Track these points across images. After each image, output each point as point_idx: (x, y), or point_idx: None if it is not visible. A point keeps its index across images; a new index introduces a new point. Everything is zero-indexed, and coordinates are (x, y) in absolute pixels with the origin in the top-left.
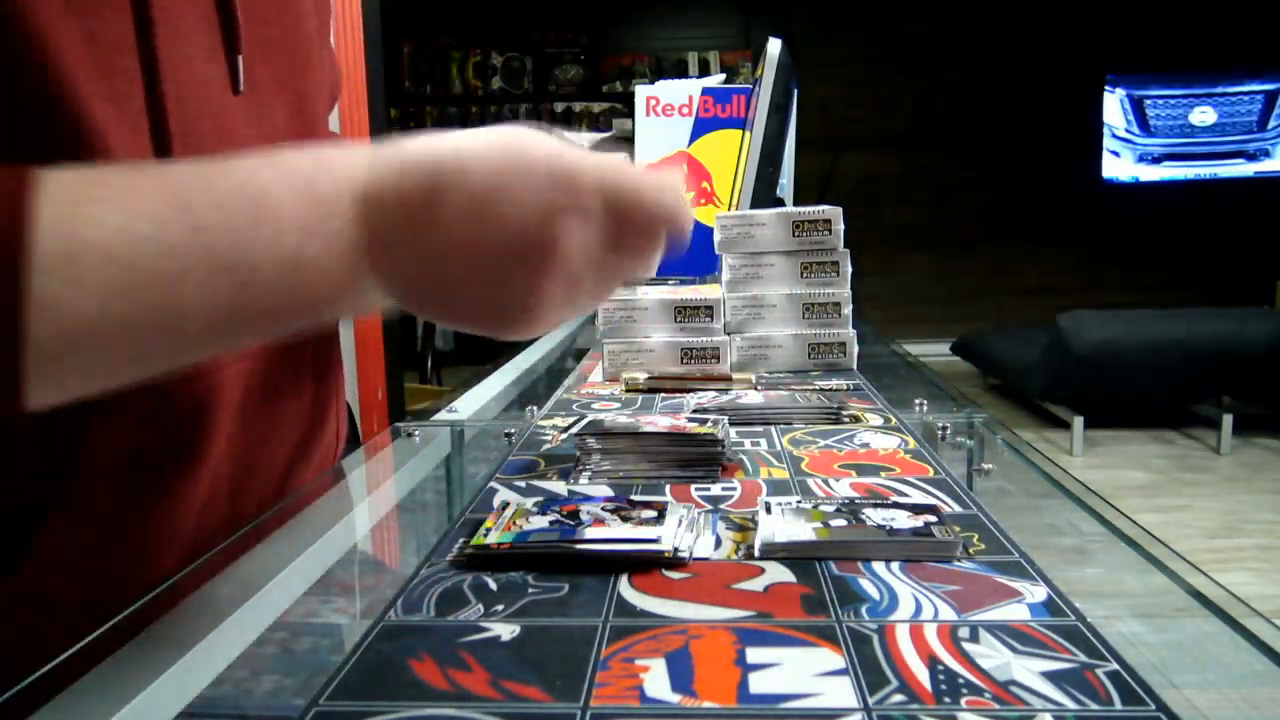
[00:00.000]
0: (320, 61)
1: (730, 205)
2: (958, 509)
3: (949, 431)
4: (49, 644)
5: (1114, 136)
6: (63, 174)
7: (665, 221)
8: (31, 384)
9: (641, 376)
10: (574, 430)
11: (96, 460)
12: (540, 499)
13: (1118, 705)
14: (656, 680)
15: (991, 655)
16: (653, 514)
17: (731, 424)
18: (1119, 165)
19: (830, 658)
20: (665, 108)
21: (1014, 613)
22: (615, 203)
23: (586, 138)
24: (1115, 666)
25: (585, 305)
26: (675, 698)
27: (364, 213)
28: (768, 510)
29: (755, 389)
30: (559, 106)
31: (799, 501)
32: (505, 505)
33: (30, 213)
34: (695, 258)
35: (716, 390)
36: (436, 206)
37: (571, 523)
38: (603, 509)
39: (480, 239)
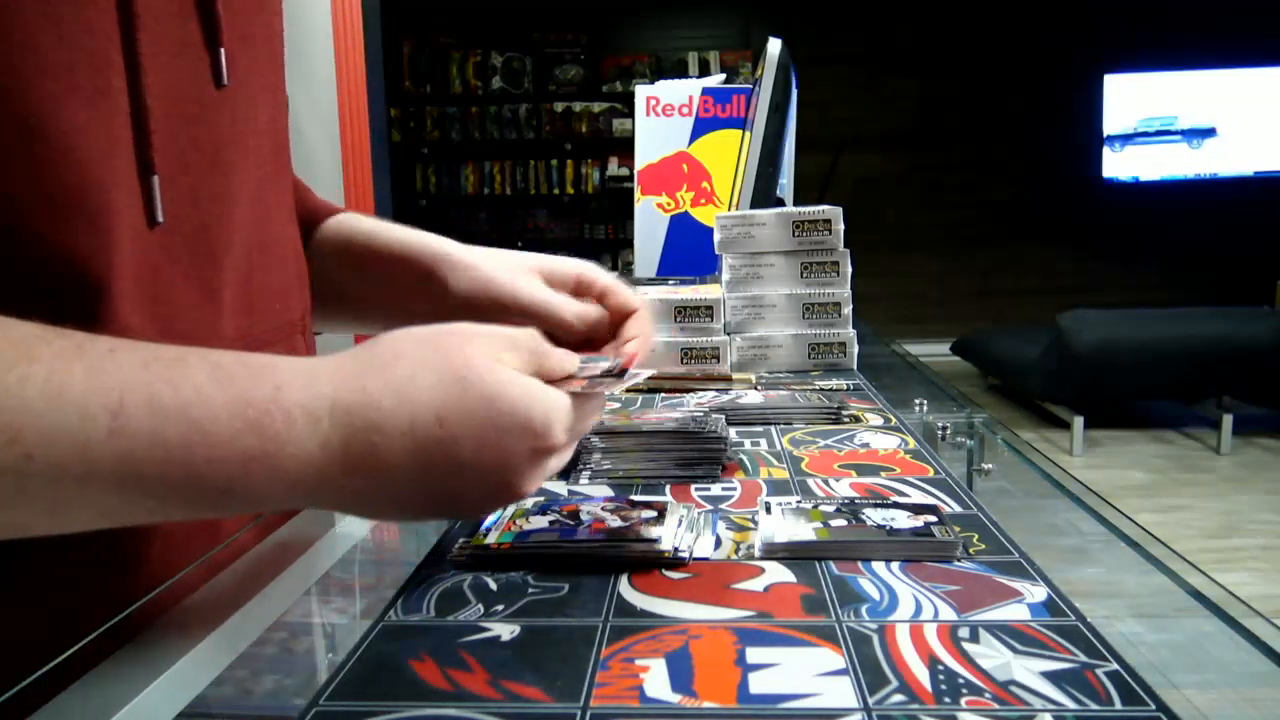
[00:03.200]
0: (283, 61)
1: (730, 205)
2: (958, 509)
3: (949, 431)
4: (48, 647)
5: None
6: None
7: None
8: None
9: (641, 376)
10: None
11: None
12: (540, 499)
13: (1118, 705)
14: (656, 680)
15: (991, 655)
16: (653, 514)
17: (731, 424)
18: (1120, 164)
19: (830, 658)
20: (665, 108)
21: (1014, 613)
22: (575, 437)
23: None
24: (1115, 666)
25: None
26: (675, 698)
27: (309, 446)
28: (767, 510)
29: (755, 389)
30: (559, 106)
31: (799, 501)
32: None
33: None
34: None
35: (716, 390)
36: (412, 466)
37: (571, 523)
38: (602, 509)
39: (441, 492)
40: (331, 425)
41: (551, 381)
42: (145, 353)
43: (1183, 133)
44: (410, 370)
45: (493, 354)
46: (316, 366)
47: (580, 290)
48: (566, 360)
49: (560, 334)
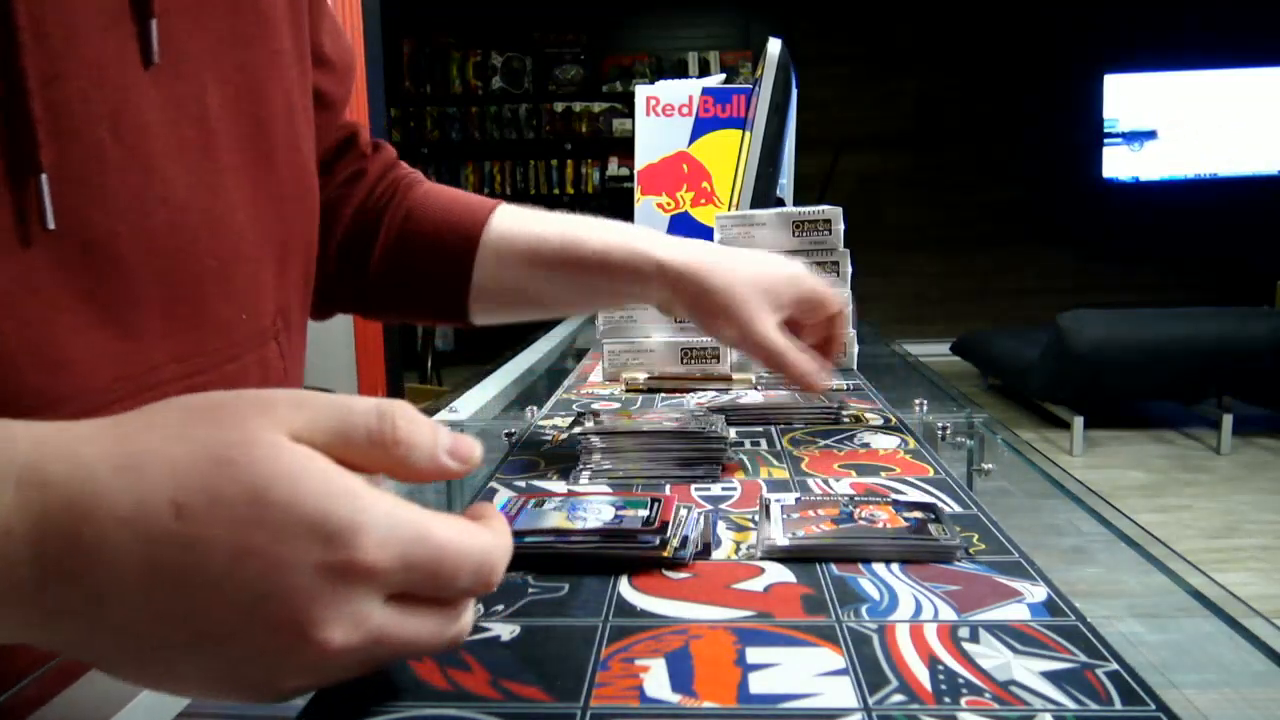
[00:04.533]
0: (285, 33)
1: (730, 205)
2: (958, 509)
3: (949, 431)
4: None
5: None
6: None
7: (473, 589)
8: None
9: (641, 376)
10: (576, 430)
11: None
12: (540, 499)
13: (1118, 705)
14: (656, 680)
15: (991, 655)
16: (652, 514)
17: (731, 424)
18: (1119, 164)
19: (830, 658)
20: (665, 108)
21: (1014, 613)
22: (410, 583)
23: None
24: (1115, 666)
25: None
26: (675, 698)
27: (29, 558)
28: (767, 510)
29: (755, 389)
30: (559, 106)
31: (798, 500)
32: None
33: None
34: None
35: (716, 390)
36: (122, 589)
37: (571, 524)
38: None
39: (189, 626)
40: (18, 498)
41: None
42: None
43: (1124, 135)
44: (156, 439)
45: (295, 432)
46: (16, 424)
47: (807, 308)
48: (430, 433)
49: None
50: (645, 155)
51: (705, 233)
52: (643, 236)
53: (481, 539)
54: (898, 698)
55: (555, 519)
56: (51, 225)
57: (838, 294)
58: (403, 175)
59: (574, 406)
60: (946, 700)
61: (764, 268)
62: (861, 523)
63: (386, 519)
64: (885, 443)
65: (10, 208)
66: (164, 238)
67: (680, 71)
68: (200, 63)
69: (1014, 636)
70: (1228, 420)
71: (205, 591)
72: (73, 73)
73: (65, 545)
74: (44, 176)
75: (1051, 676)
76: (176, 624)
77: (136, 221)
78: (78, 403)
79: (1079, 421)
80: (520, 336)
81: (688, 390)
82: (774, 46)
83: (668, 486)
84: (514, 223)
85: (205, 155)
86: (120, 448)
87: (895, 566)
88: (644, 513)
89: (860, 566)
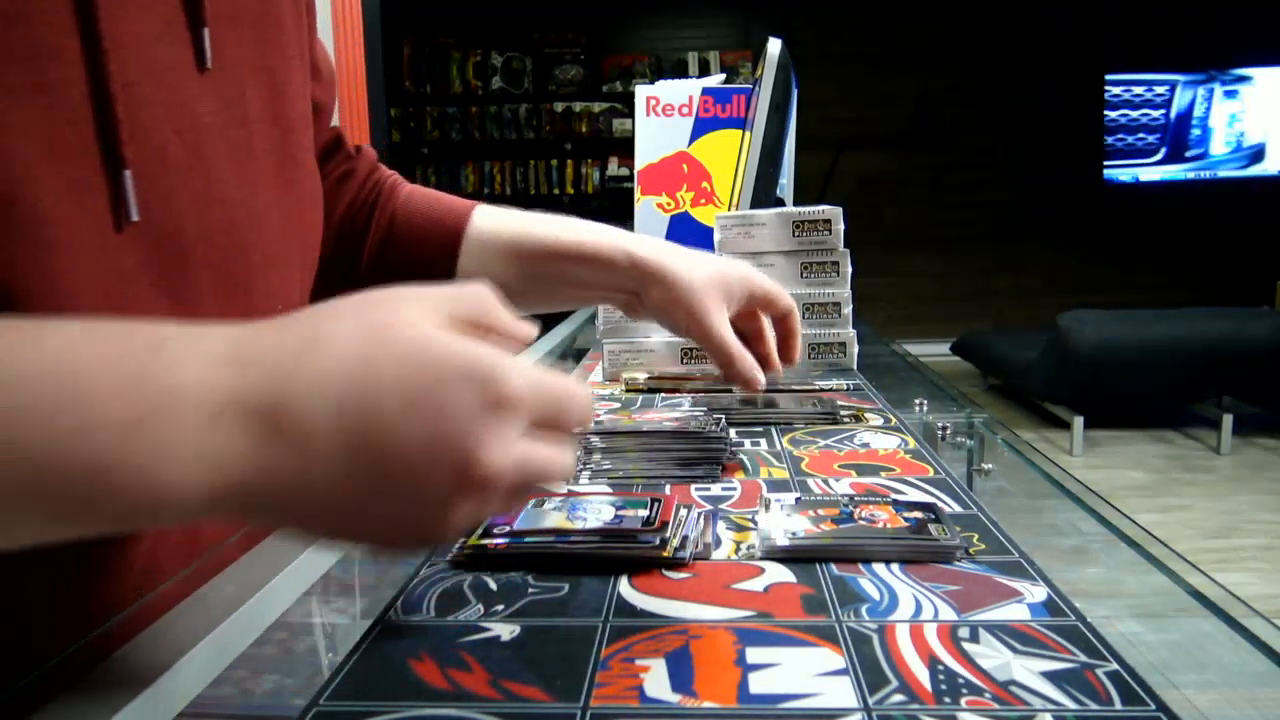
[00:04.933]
0: (294, 41)
1: (730, 205)
2: (958, 509)
3: (949, 431)
4: (48, 647)
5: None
6: None
7: (578, 423)
8: None
9: (641, 376)
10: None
11: None
12: (540, 499)
13: (1118, 705)
14: (656, 680)
15: (991, 655)
16: (652, 514)
17: (731, 424)
18: (1120, 165)
19: (830, 658)
20: (665, 108)
21: (1014, 613)
22: (540, 412)
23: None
24: (1115, 666)
25: (497, 511)
26: (675, 698)
27: (211, 430)
28: (767, 509)
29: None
30: (559, 106)
31: (798, 500)
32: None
33: None
34: None
35: (717, 391)
36: (318, 443)
37: (571, 524)
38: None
39: (378, 470)
40: (229, 375)
41: None
42: (8, 322)
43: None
44: (323, 320)
45: (423, 315)
46: (209, 327)
47: (759, 304)
48: (521, 328)
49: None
50: (645, 155)
51: (705, 233)
52: (613, 232)
53: (580, 385)
54: (898, 698)
55: (555, 519)
56: (135, 217)
57: (786, 295)
58: (385, 176)
59: None
60: (946, 700)
61: (720, 266)
62: (861, 523)
63: (517, 362)
64: (885, 443)
65: (106, 198)
66: (220, 234)
67: (680, 71)
68: (240, 68)
69: (1014, 636)
70: (1228, 420)
71: (385, 437)
72: (139, 78)
73: (271, 414)
74: (128, 172)
75: (1051, 676)
76: (364, 471)
77: (198, 217)
78: None
79: (1079, 421)
80: None
81: (688, 390)
82: (774, 46)
83: (668, 486)
84: (495, 220)
85: (249, 156)
86: (302, 332)
87: (895, 566)
88: (644, 513)
89: (860, 566)
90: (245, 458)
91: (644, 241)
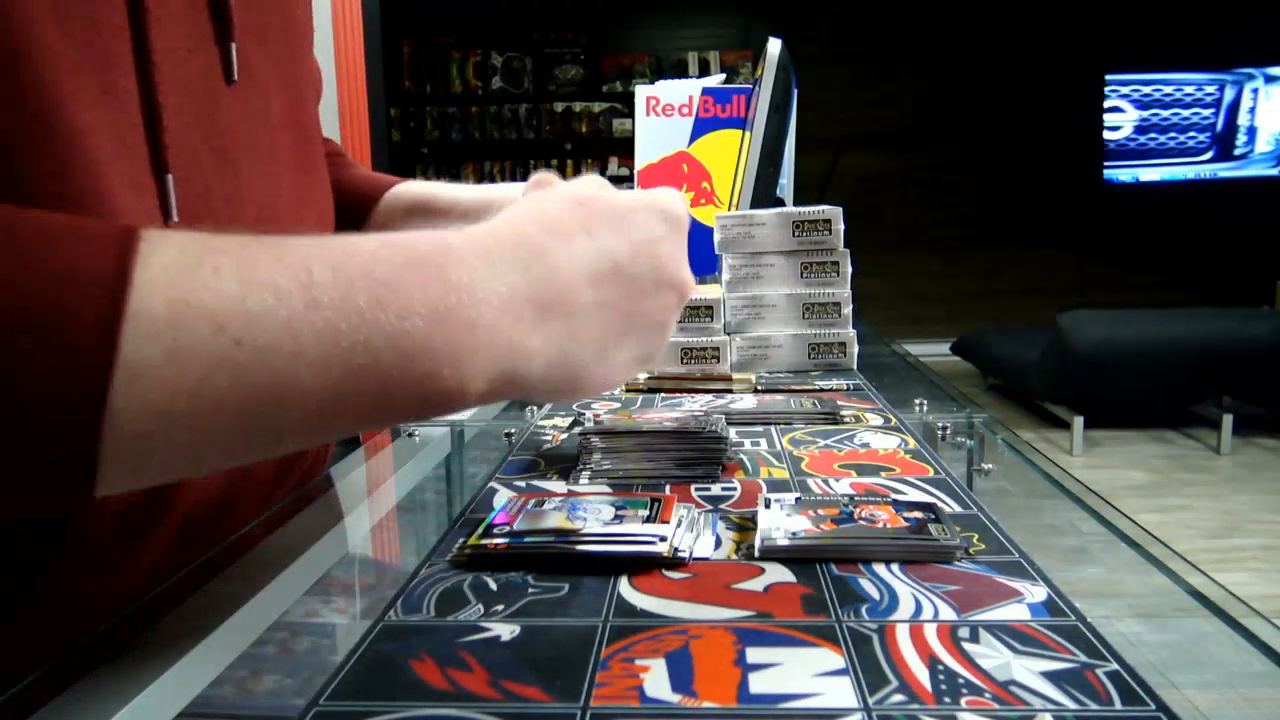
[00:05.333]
0: (308, 57)
1: (730, 205)
2: (958, 509)
3: (949, 431)
4: (48, 647)
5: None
6: (171, 232)
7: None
8: (106, 465)
9: (641, 376)
10: (576, 430)
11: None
12: (540, 499)
13: (1118, 705)
14: (656, 680)
15: (991, 655)
16: (652, 514)
17: (731, 424)
18: (1120, 165)
19: (830, 658)
20: (665, 108)
21: (1014, 613)
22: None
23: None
24: (1115, 666)
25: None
26: (675, 698)
27: (494, 287)
28: (767, 509)
29: (755, 390)
30: (559, 106)
31: (798, 500)
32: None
33: (134, 270)
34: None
35: (713, 394)
36: (570, 277)
37: (571, 524)
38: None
39: (621, 298)
40: (505, 265)
41: None
42: (317, 235)
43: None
44: (544, 196)
45: (598, 185)
46: (469, 228)
47: None
48: None
49: None
50: (645, 155)
51: (706, 233)
52: (504, 190)
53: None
54: (898, 698)
55: (555, 519)
56: (176, 218)
57: None
58: (332, 149)
59: (574, 406)
60: (946, 700)
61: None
62: (861, 523)
63: (677, 195)
64: (885, 443)
65: (155, 198)
66: (247, 231)
67: (680, 71)
68: (265, 79)
69: (1014, 636)
70: (1228, 420)
71: (623, 279)
72: (176, 87)
73: (542, 274)
74: (170, 175)
75: (1051, 676)
76: (614, 309)
77: (231, 218)
78: None
79: (1079, 421)
80: None
81: (688, 390)
82: (774, 46)
83: (668, 486)
84: (409, 186)
85: (272, 160)
86: (531, 209)
87: (895, 566)
88: (644, 513)
89: (860, 566)
90: (527, 325)
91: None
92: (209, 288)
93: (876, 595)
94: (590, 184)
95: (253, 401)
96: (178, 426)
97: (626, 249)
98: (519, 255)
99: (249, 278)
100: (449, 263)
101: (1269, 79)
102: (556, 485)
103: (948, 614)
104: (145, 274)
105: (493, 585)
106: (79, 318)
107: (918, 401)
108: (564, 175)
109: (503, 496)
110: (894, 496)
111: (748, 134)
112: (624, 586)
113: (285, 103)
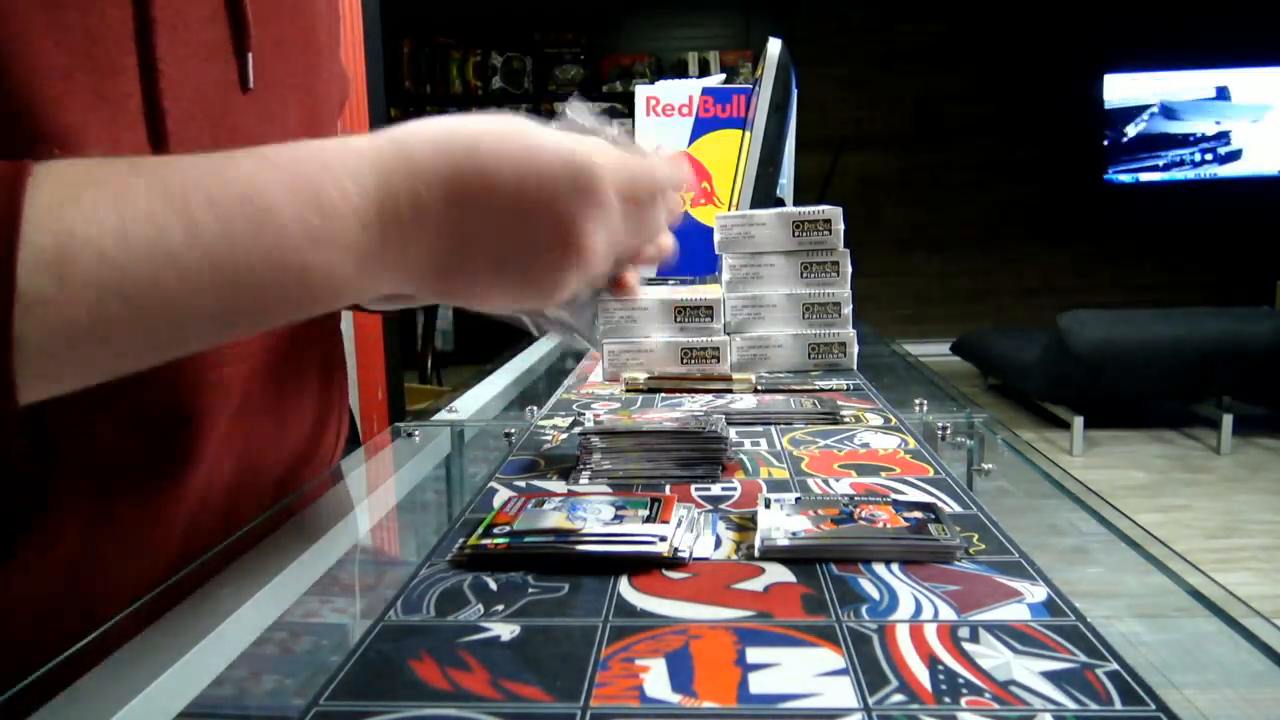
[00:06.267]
0: (330, 65)
1: (730, 205)
2: (958, 509)
3: (949, 431)
4: (44, 645)
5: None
6: (55, 166)
7: (672, 190)
8: (21, 382)
9: (641, 376)
10: (576, 430)
11: (77, 463)
12: (540, 499)
13: (1118, 705)
14: (656, 680)
15: (991, 655)
16: (652, 514)
17: (731, 424)
18: (1120, 165)
19: (830, 658)
20: (665, 108)
21: (1014, 613)
22: (631, 190)
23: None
24: (1115, 666)
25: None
26: (675, 698)
27: (374, 218)
28: (767, 509)
29: (755, 390)
30: (559, 106)
31: (798, 500)
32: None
33: (22, 207)
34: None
35: (712, 394)
36: (455, 212)
37: (572, 524)
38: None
39: (503, 241)
40: (380, 188)
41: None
42: (196, 158)
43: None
44: (446, 127)
45: (531, 123)
46: (355, 140)
47: None
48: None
49: None
50: None
51: (706, 233)
52: None
53: (653, 161)
54: (898, 698)
55: (555, 519)
56: None
57: None
58: None
59: (574, 406)
60: (946, 700)
61: None
62: (861, 523)
63: (608, 155)
64: (885, 443)
65: None
66: None
67: (680, 71)
68: (281, 89)
69: (1014, 636)
70: (1228, 420)
71: (507, 214)
72: (187, 94)
73: (412, 201)
74: None
75: (1051, 676)
76: (491, 245)
77: None
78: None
79: (1079, 421)
80: (520, 336)
81: (688, 390)
82: (774, 46)
83: (668, 486)
84: None
85: None
86: (424, 134)
87: (895, 566)
88: (644, 513)
89: (860, 566)
90: (397, 244)
91: None
92: (92, 219)
93: (876, 595)
94: (515, 125)
95: (148, 319)
96: (80, 343)
97: (511, 189)
98: (393, 179)
99: (129, 208)
100: (324, 181)
101: (1269, 78)
102: (556, 485)
103: (948, 614)
104: (32, 208)
105: (493, 585)
106: None
107: (918, 401)
108: None
109: (503, 496)
110: (894, 496)
111: (748, 134)
112: (624, 586)
113: (302, 113)
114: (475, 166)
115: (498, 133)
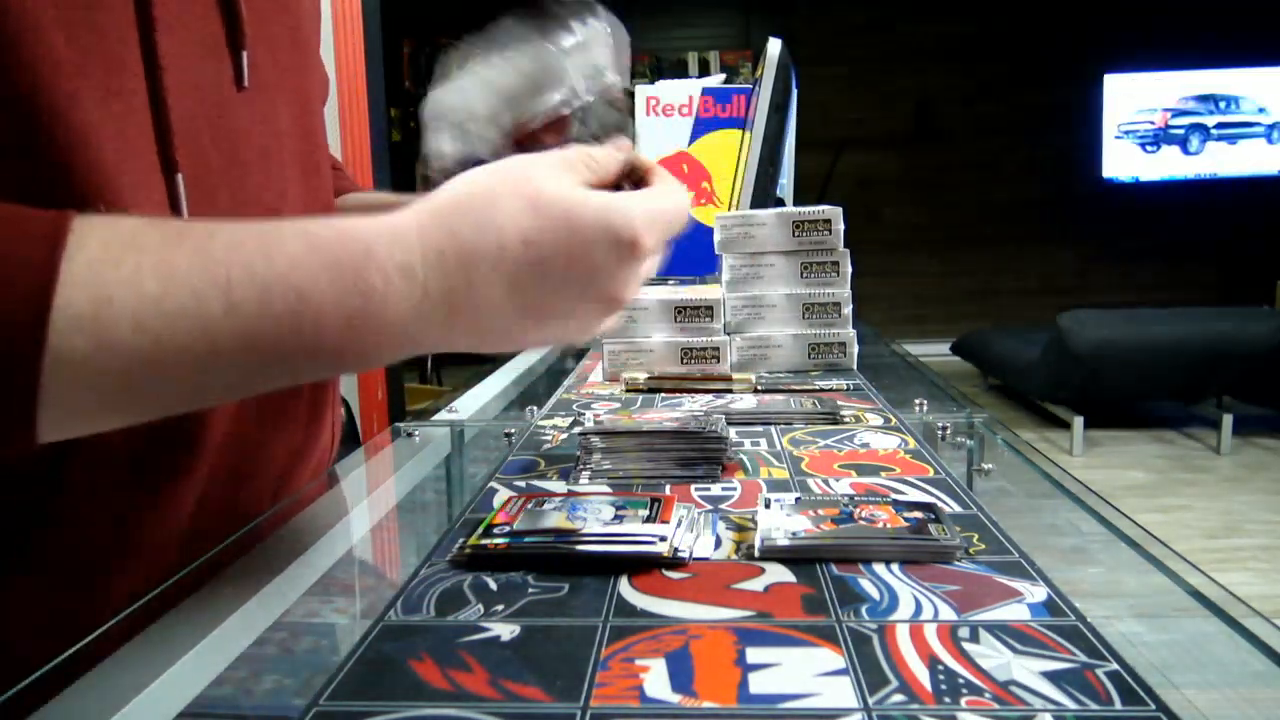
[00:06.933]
0: (315, 63)
1: (730, 205)
2: (958, 509)
3: (949, 431)
4: (45, 646)
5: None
6: (99, 223)
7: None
8: (42, 428)
9: (641, 376)
10: (576, 430)
11: (88, 463)
12: (540, 499)
13: (1118, 705)
14: (656, 680)
15: (991, 655)
16: (652, 514)
17: (731, 424)
18: (1120, 164)
19: (830, 658)
20: (665, 108)
21: (1014, 613)
22: (666, 236)
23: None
24: (1115, 666)
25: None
26: (675, 698)
27: (418, 302)
28: (767, 509)
29: (755, 390)
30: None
31: (798, 500)
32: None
33: (60, 266)
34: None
35: (713, 394)
36: (499, 291)
37: (572, 524)
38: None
39: (546, 309)
40: (426, 273)
41: (608, 184)
42: (241, 230)
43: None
44: (488, 204)
45: (555, 176)
46: (399, 221)
47: None
48: (613, 155)
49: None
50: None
51: (706, 233)
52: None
53: (676, 196)
54: (898, 698)
55: (555, 519)
56: (186, 216)
57: None
58: (345, 184)
59: (574, 406)
60: (946, 700)
61: None
62: (861, 523)
63: (639, 210)
64: (885, 443)
65: (164, 197)
66: None
67: (680, 71)
68: (274, 86)
69: (1014, 636)
70: (1228, 420)
71: (554, 293)
72: (186, 91)
73: (463, 289)
74: (180, 176)
75: (1051, 676)
76: (536, 318)
77: (239, 216)
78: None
79: (1079, 421)
80: None
81: (688, 390)
82: (774, 46)
83: (668, 486)
84: (364, 194)
85: (279, 164)
86: (471, 219)
87: (895, 566)
88: (644, 513)
89: (860, 566)
90: (438, 326)
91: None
92: (130, 284)
93: (876, 595)
94: (551, 191)
95: (175, 386)
96: (104, 401)
97: (561, 266)
98: (444, 265)
99: (169, 276)
100: (368, 268)
101: (1269, 78)
102: (556, 485)
103: (948, 614)
104: (71, 267)
105: (493, 585)
106: (9, 313)
107: (918, 401)
108: None
109: (502, 496)
110: (894, 496)
111: (748, 134)
112: (624, 586)
113: (294, 109)
114: (521, 244)
115: (533, 202)
